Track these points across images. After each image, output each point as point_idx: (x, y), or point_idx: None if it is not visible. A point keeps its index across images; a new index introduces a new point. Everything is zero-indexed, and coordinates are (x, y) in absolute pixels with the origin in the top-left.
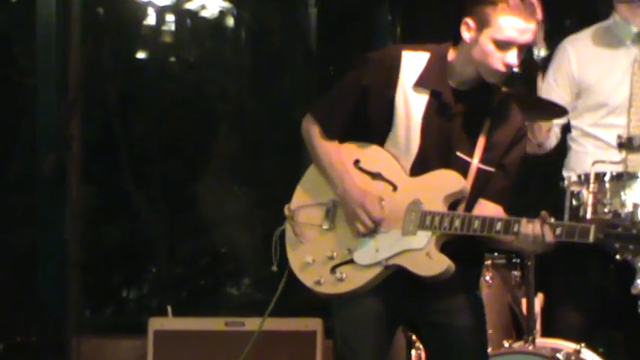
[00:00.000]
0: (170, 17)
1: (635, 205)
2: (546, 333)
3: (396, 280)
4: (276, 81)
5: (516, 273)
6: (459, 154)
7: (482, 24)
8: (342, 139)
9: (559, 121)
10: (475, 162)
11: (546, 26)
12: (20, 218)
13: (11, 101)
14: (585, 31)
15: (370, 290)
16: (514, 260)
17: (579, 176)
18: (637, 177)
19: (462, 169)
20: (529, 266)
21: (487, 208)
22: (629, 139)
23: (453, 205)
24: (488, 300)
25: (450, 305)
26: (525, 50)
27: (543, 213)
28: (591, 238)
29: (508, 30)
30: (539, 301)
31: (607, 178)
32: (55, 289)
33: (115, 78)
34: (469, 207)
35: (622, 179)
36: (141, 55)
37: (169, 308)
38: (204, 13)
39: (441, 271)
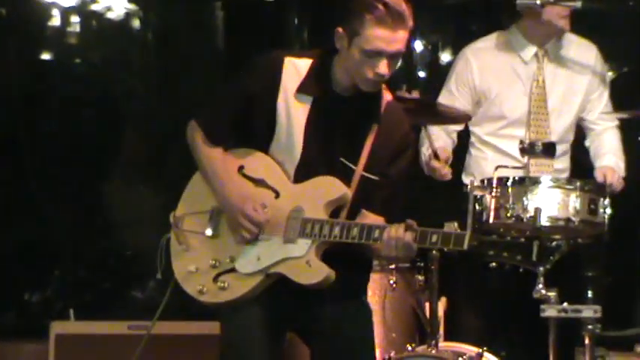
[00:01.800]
0: (75, 18)
1: (537, 210)
2: (449, 337)
3: (281, 288)
4: (183, 82)
5: (420, 277)
6: (342, 160)
7: (352, 34)
8: (228, 146)
9: (457, 127)
10: (359, 169)
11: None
12: None
13: None
14: (486, 40)
15: (256, 297)
16: (418, 264)
17: (482, 181)
18: (539, 182)
19: (346, 175)
20: (433, 270)
21: (369, 220)
22: (532, 145)
23: (335, 212)
24: (392, 304)
25: (335, 313)
26: (398, 59)
27: (409, 221)
28: (465, 246)
29: (375, 41)
30: (442, 305)
31: (509, 183)
32: None
33: (19, 79)
34: (352, 214)
35: (524, 184)
36: (46, 56)
37: (72, 312)
38: (109, 15)
39: (320, 279)
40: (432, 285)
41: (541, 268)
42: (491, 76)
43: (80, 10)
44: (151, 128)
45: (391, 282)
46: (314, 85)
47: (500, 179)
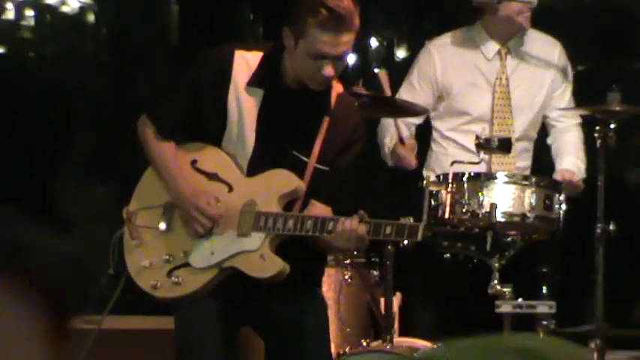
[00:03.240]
0: (29, 12)
1: (492, 206)
2: (404, 332)
3: (234, 281)
4: (137, 77)
5: (375, 272)
6: (295, 153)
7: (297, 35)
8: (180, 140)
9: (415, 121)
10: (311, 161)
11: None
12: None
13: None
14: (449, 35)
15: (210, 291)
16: (373, 259)
17: (438, 176)
18: (495, 178)
19: (299, 168)
20: (387, 265)
21: (317, 209)
22: (487, 140)
23: (288, 205)
24: (347, 299)
25: (290, 305)
26: (344, 60)
27: (361, 212)
28: (420, 237)
29: (319, 45)
30: (397, 300)
31: (465, 178)
32: None
33: None
34: (304, 207)
35: (480, 180)
36: None
37: None
38: (64, 9)
39: (274, 273)
40: (387, 280)
41: (496, 264)
42: (453, 71)
43: (34, 3)
44: (104, 124)
45: (346, 277)
46: (265, 78)
47: (455, 174)
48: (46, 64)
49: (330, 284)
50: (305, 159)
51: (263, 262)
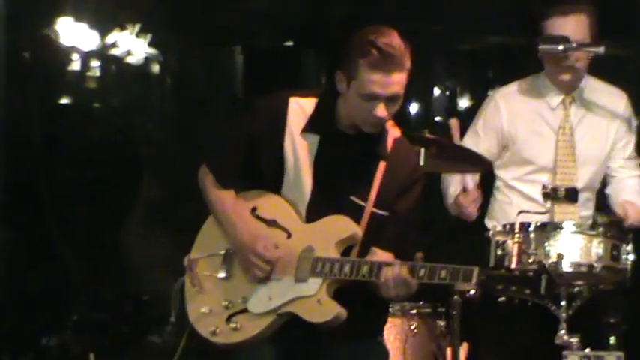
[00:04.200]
0: (95, 63)
1: (559, 256)
2: None
3: (293, 327)
4: (201, 126)
5: (441, 322)
6: (352, 198)
7: (349, 77)
8: (240, 188)
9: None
10: (369, 206)
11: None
12: None
13: None
14: (515, 85)
15: (268, 337)
16: (439, 309)
17: (504, 226)
18: (561, 227)
19: (356, 213)
20: (454, 315)
21: (377, 256)
22: (554, 190)
23: (346, 251)
24: (413, 349)
25: (351, 352)
26: (397, 100)
27: (418, 254)
28: (474, 280)
29: (370, 85)
30: (463, 350)
31: (531, 228)
32: None
33: (39, 122)
34: (364, 252)
35: (546, 229)
36: (66, 99)
37: (92, 356)
38: (129, 59)
39: (330, 317)
40: (454, 330)
41: (563, 314)
42: (518, 120)
43: (100, 54)
44: (168, 172)
45: (412, 327)
46: (320, 124)
47: (522, 224)
48: (112, 114)
49: (397, 334)
50: (362, 204)
51: (320, 306)
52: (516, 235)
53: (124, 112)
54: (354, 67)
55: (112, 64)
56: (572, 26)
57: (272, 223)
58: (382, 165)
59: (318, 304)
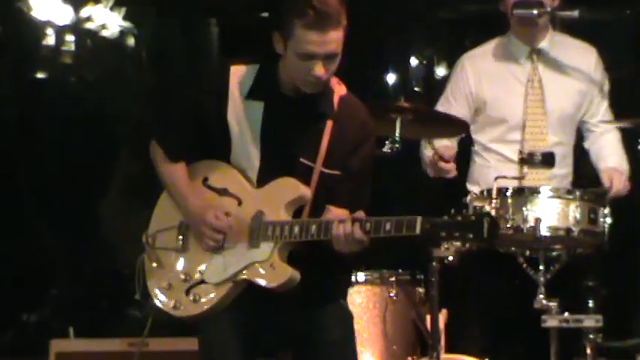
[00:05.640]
0: (70, 37)
1: (537, 220)
2: (450, 349)
3: (254, 295)
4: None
5: (420, 289)
6: (302, 160)
7: (286, 37)
8: (191, 159)
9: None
10: (318, 166)
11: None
12: None
13: None
14: (483, 46)
15: (229, 306)
16: (418, 277)
17: (482, 192)
18: (538, 192)
19: (306, 174)
20: (433, 282)
21: (332, 214)
22: (530, 155)
23: (297, 212)
24: (393, 316)
25: (313, 317)
26: (334, 59)
27: (359, 213)
28: (418, 229)
29: (306, 44)
30: (442, 317)
31: (509, 193)
32: None
33: (14, 98)
34: (316, 212)
35: (524, 194)
36: (41, 75)
37: (71, 330)
38: (104, 33)
39: (283, 280)
40: (433, 297)
41: (541, 279)
42: (487, 80)
43: (75, 28)
44: (145, 147)
45: (391, 294)
46: (263, 90)
47: (499, 189)
48: (87, 88)
49: (376, 302)
50: (312, 164)
51: (273, 270)
52: (494, 201)
53: (99, 86)
54: (290, 28)
55: (87, 37)
56: None
57: (223, 192)
58: (329, 124)
59: (271, 268)
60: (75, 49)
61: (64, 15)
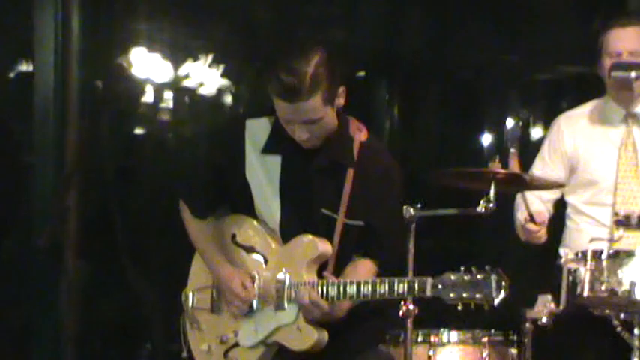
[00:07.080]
0: (168, 94)
1: (632, 283)
2: None
3: (292, 353)
4: None
5: (513, 350)
6: (324, 211)
7: (273, 103)
8: (220, 212)
9: (552, 196)
10: (340, 217)
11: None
12: (16, 293)
13: (8, 178)
14: (579, 108)
15: None
16: (511, 337)
17: (576, 253)
18: (633, 255)
19: (329, 226)
20: (526, 343)
21: (358, 266)
22: (627, 217)
23: (322, 267)
24: None
25: None
26: (316, 123)
27: (325, 273)
28: (429, 292)
29: (280, 111)
30: None
31: (604, 256)
32: None
33: (112, 153)
34: (342, 264)
35: (618, 257)
36: (139, 130)
37: None
38: (202, 90)
39: (310, 344)
40: (526, 359)
41: (636, 342)
42: (581, 141)
43: (173, 85)
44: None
45: (484, 355)
46: (279, 144)
47: (594, 252)
48: (185, 145)
49: None
50: (334, 216)
51: (300, 333)
52: (589, 262)
53: (196, 143)
54: (271, 95)
55: (185, 95)
56: (630, 37)
57: (250, 250)
58: (350, 172)
59: (298, 331)
60: (173, 106)
61: (163, 72)
